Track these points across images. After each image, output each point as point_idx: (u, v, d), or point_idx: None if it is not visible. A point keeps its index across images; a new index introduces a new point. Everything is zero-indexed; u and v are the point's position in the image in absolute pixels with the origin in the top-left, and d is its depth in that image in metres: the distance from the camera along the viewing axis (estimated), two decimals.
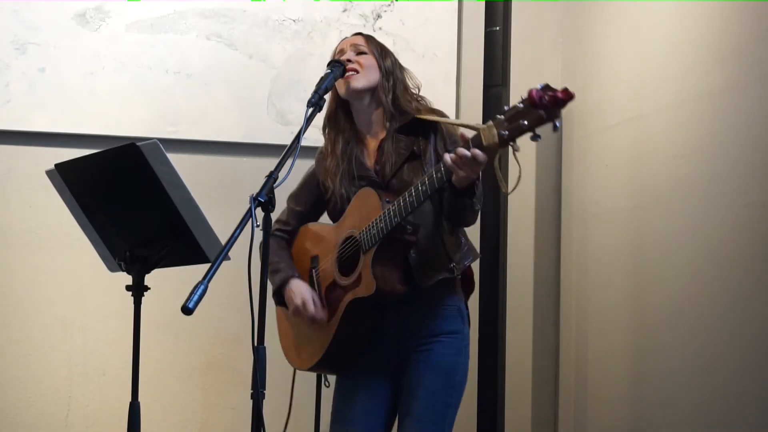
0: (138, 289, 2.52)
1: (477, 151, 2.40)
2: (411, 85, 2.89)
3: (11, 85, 3.70)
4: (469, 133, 2.46)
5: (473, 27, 3.97)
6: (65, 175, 2.57)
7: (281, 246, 2.93)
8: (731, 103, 2.93)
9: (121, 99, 3.78)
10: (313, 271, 2.85)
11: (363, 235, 2.67)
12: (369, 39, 2.92)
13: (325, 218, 2.95)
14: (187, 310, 2.14)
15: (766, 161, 2.76)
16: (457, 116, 3.97)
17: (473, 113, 3.84)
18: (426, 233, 2.70)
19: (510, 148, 2.32)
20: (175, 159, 2.40)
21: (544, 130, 2.26)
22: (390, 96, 2.82)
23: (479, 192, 2.62)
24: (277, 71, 3.90)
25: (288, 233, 2.96)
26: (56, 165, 2.58)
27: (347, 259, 2.75)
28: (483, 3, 3.76)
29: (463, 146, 2.43)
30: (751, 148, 2.83)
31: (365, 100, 2.87)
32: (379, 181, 2.77)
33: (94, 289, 3.68)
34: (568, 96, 2.19)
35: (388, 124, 2.81)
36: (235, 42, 3.87)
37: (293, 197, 2.98)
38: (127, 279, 2.53)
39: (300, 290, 2.80)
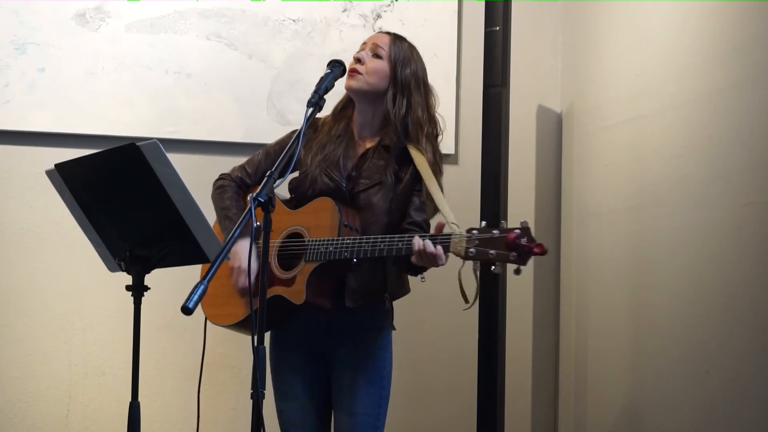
0: (138, 289, 2.51)
1: (441, 252, 2.51)
2: (431, 105, 2.86)
3: (11, 84, 3.70)
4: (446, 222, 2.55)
5: (473, 27, 3.98)
6: (65, 175, 2.56)
7: (240, 196, 2.92)
8: (731, 103, 2.92)
9: (121, 99, 3.77)
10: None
11: (311, 245, 2.70)
12: (395, 42, 2.87)
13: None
14: (187, 310, 2.14)
15: (766, 161, 2.76)
16: (457, 116, 3.97)
17: (473, 113, 3.84)
18: (371, 263, 2.74)
19: (472, 264, 2.45)
20: (175, 159, 2.40)
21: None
22: (402, 110, 2.81)
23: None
24: (277, 71, 3.89)
25: (246, 187, 2.94)
26: (56, 165, 2.57)
27: (288, 253, 2.77)
28: (483, 3, 3.75)
29: (435, 232, 2.52)
30: (751, 148, 2.83)
31: (364, 102, 2.86)
32: (346, 191, 2.79)
33: (94, 289, 3.67)
34: (541, 252, 2.29)
35: (390, 136, 2.80)
36: (234, 42, 3.87)
37: (268, 154, 2.95)
38: (127, 279, 2.53)
39: (245, 255, 2.74)
